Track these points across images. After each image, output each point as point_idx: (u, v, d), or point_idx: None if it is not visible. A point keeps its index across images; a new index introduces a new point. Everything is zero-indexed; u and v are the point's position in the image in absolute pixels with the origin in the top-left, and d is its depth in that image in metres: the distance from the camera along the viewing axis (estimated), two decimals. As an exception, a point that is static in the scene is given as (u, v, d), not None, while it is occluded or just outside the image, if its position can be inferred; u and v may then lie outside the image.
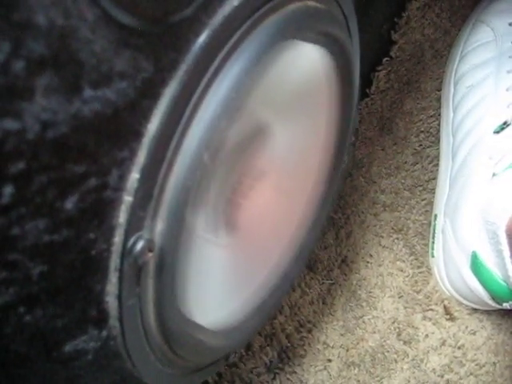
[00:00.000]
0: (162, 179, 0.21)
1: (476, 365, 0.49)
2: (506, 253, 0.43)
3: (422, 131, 0.62)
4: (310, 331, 0.47)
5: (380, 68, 0.61)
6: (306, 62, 0.28)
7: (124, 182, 0.19)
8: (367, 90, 0.61)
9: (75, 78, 0.16)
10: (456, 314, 0.51)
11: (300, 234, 0.36)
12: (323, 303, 0.49)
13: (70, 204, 0.18)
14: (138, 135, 0.19)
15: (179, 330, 0.25)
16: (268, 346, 0.46)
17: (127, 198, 0.20)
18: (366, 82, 0.62)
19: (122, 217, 0.20)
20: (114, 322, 0.22)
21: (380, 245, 0.55)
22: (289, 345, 0.46)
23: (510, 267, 0.43)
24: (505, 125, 0.49)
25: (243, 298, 0.32)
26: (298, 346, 0.46)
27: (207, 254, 0.27)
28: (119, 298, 0.21)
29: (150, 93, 0.19)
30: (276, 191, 0.33)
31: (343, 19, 0.31)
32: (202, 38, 0.20)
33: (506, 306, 0.47)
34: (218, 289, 0.30)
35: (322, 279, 0.51)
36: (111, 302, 0.21)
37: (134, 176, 0.19)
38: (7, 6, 0.14)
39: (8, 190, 0.16)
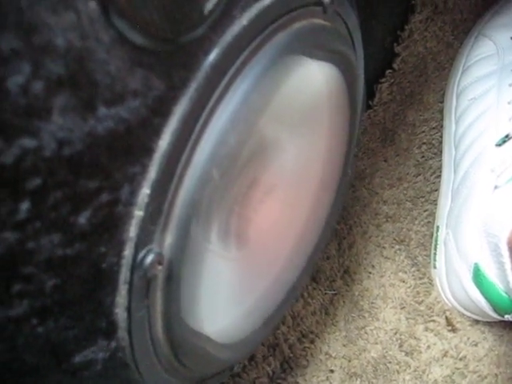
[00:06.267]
0: (171, 194, 0.21)
1: (478, 376, 0.49)
2: (508, 265, 0.44)
3: (425, 143, 0.62)
4: (312, 342, 0.48)
5: (383, 80, 0.62)
6: (312, 78, 0.28)
7: (135, 197, 0.20)
8: (370, 102, 0.62)
9: (90, 97, 0.17)
10: (458, 325, 0.52)
11: (306, 246, 0.37)
12: (326, 314, 0.50)
13: (83, 219, 0.18)
14: (149, 151, 0.20)
15: (186, 341, 0.26)
16: (271, 356, 0.46)
17: (138, 213, 0.20)
18: (369, 93, 0.62)
19: (132, 231, 0.20)
20: (122, 333, 0.22)
21: (382, 255, 0.56)
22: (291, 355, 0.46)
23: (511, 279, 0.43)
24: (507, 138, 0.50)
25: (250, 310, 0.32)
26: (300, 357, 0.47)
27: (215, 266, 0.28)
28: (128, 309, 0.22)
29: (161, 110, 0.20)
30: (283, 204, 0.33)
31: (348, 35, 0.31)
32: (212, 57, 0.21)
33: (507, 317, 0.47)
34: (225, 300, 0.30)
35: (325, 290, 0.51)
36: (120, 313, 0.22)
37: (145, 191, 0.20)
38: (29, 29, 0.14)
39: (24, 205, 0.16)
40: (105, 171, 0.18)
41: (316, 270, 0.52)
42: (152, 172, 0.20)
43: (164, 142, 0.20)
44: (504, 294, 0.46)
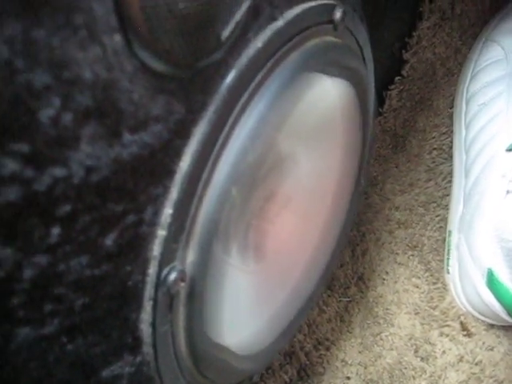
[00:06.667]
0: (192, 213, 0.22)
1: (494, 381, 0.49)
2: (521, 270, 0.44)
3: (435, 148, 0.62)
4: (328, 349, 0.48)
5: (392, 87, 0.62)
6: (325, 93, 0.29)
7: (158, 217, 0.20)
8: (380, 109, 0.62)
9: (116, 125, 0.17)
10: (473, 329, 0.52)
11: (323, 256, 0.37)
12: (341, 321, 0.50)
13: (109, 240, 0.19)
14: (171, 173, 0.20)
15: (208, 353, 0.26)
16: (287, 364, 0.46)
17: (161, 232, 0.21)
18: (379, 100, 0.63)
19: (156, 250, 0.21)
20: (147, 348, 0.23)
21: (395, 262, 0.56)
22: (308, 363, 0.47)
23: (525, 284, 0.44)
24: (517, 143, 0.50)
25: (268, 320, 0.33)
26: (316, 364, 0.47)
27: (233, 279, 0.28)
28: (153, 325, 0.22)
29: (181, 133, 0.20)
30: (298, 216, 0.34)
31: (358, 49, 0.32)
32: (229, 79, 0.22)
33: (522, 321, 0.48)
34: (244, 312, 0.31)
35: (339, 297, 0.52)
36: (145, 329, 0.22)
37: (168, 211, 0.21)
38: (59, 65, 0.15)
39: (55, 230, 0.17)
40: (130, 194, 0.19)
41: (330, 278, 0.52)
42: (174, 193, 0.21)
43: (185, 164, 0.21)
44: (518, 299, 0.46)
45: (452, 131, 0.62)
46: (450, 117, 0.63)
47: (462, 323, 0.52)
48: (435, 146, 0.62)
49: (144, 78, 0.18)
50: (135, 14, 0.17)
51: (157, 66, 0.18)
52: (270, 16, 0.23)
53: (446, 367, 0.49)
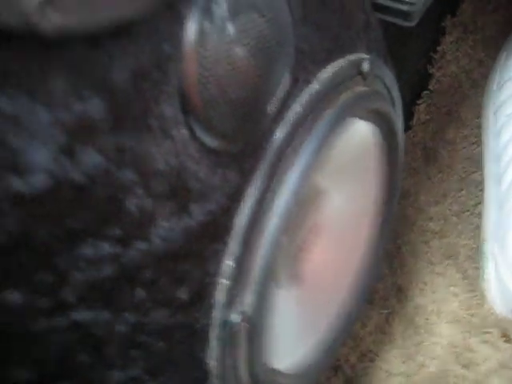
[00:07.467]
0: (249, 261, 0.25)
1: (536, 385, 0.51)
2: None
3: (466, 158, 0.64)
4: (372, 360, 0.51)
5: (420, 101, 0.65)
6: (359, 136, 0.32)
7: (220, 268, 0.24)
8: (409, 123, 0.64)
9: (186, 201, 0.21)
10: (512, 335, 0.54)
11: (360, 276, 0.40)
12: (382, 333, 0.53)
13: (181, 293, 0.22)
14: (228, 230, 0.24)
15: (266, 379, 0.30)
16: (334, 376, 0.49)
17: (223, 281, 0.24)
18: (408, 115, 0.65)
19: (219, 296, 0.24)
20: (214, 379, 0.26)
21: (433, 271, 0.58)
22: (353, 375, 0.50)
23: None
24: (545, 152, 0.52)
25: (314, 341, 0.36)
26: (362, 376, 0.50)
27: (281, 307, 0.32)
28: (218, 359, 0.26)
29: (236, 196, 0.23)
30: (335, 243, 0.37)
31: (386, 91, 0.35)
32: (274, 143, 0.25)
33: (559, 326, 0.49)
34: (292, 336, 0.34)
35: (380, 309, 0.54)
36: (212, 363, 0.26)
37: (228, 262, 0.24)
38: (140, 163, 0.18)
39: (140, 292, 0.21)
40: (196, 253, 0.22)
41: (370, 291, 0.55)
42: (232, 247, 0.24)
43: (240, 221, 0.24)
44: (554, 305, 0.48)
45: (481, 141, 0.64)
46: (479, 127, 0.64)
47: (501, 329, 0.54)
48: (466, 156, 0.64)
49: (206, 158, 0.21)
50: (198, 108, 0.20)
51: (215, 145, 0.22)
52: (306, 81, 0.26)
53: (488, 374, 0.51)
